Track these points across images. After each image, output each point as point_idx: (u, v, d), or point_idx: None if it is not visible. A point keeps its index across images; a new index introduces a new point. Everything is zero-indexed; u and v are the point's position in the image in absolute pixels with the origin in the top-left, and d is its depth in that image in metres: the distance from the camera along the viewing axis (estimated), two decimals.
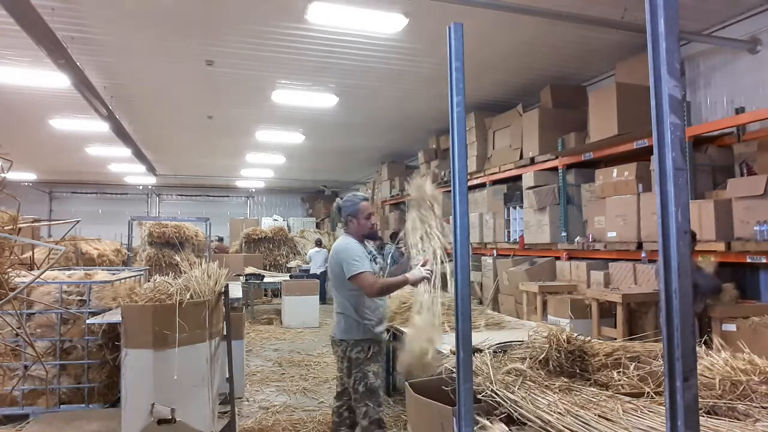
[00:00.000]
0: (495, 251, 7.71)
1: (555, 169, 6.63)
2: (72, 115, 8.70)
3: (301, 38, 5.78)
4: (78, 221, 3.96)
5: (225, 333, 3.51)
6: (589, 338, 2.59)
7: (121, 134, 8.80)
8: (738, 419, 1.88)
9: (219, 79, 7.13)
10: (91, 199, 18.74)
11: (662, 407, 1.88)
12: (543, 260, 6.70)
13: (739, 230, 4.47)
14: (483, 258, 7.89)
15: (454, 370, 1.82)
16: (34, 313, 3.50)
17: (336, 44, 5.93)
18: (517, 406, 1.99)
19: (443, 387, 2.30)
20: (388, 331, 4.40)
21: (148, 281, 3.48)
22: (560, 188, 6.49)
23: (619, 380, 2.26)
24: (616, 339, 3.86)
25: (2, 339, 3.17)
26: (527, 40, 5.90)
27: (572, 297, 5.42)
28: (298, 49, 6.06)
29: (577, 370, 2.36)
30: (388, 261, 3.67)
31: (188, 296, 2.96)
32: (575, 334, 2.52)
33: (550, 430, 1.82)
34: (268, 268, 13.44)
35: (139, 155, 11.17)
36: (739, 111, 5.08)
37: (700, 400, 1.49)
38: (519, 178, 7.30)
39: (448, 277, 2.90)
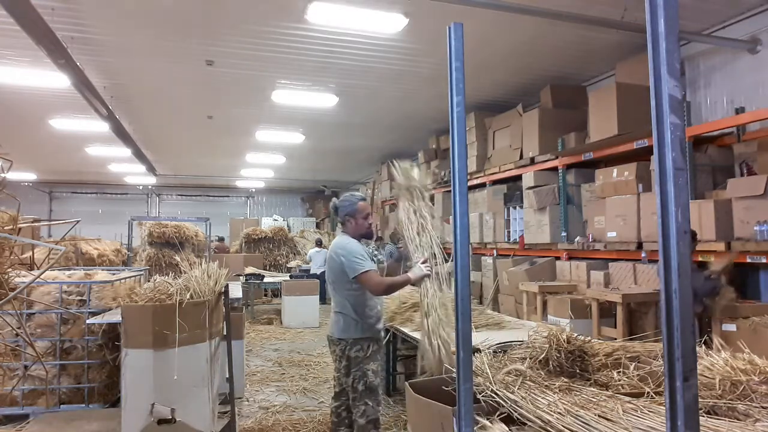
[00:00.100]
0: (495, 251, 7.71)
1: (555, 169, 6.63)
2: (72, 115, 8.70)
3: (301, 38, 5.78)
4: (78, 221, 3.96)
5: (225, 333, 3.51)
6: (589, 338, 2.59)
7: (121, 134, 8.80)
8: (738, 419, 1.88)
9: (219, 79, 7.13)
10: (91, 199, 18.74)
11: (662, 407, 1.88)
12: (543, 260, 6.69)
13: (739, 230, 4.47)
14: (483, 258, 7.89)
15: (454, 370, 1.82)
16: (34, 313, 3.51)
17: (336, 44, 5.93)
18: (517, 406, 1.99)
19: (443, 387, 2.30)
20: (387, 330, 4.41)
21: (148, 281, 3.48)
22: (560, 188, 6.49)
23: (619, 380, 2.26)
24: (616, 339, 3.86)
25: (2, 339, 3.17)
26: (527, 40, 5.90)
27: (572, 297, 5.41)
28: (298, 49, 6.06)
29: (577, 370, 2.36)
30: (386, 259, 3.65)
31: (188, 296, 2.96)
32: (575, 334, 2.52)
33: (550, 430, 1.82)
34: (268, 268, 13.45)
35: (139, 155, 11.17)
36: (739, 111, 5.08)
37: (700, 400, 1.49)
38: (519, 178, 7.30)
39: (444, 275, 2.89)
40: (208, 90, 7.68)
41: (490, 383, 2.16)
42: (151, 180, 16.34)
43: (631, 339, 2.94)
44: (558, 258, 6.51)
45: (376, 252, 10.34)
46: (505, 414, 2.02)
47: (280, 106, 8.31)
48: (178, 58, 6.37)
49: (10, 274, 2.65)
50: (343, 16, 5.12)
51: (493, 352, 2.61)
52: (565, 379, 2.26)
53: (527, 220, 6.94)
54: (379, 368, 3.11)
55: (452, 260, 1.81)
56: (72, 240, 7.86)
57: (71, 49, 5.39)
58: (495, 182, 7.92)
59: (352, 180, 17.19)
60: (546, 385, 2.16)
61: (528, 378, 2.22)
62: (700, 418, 1.47)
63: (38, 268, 3.72)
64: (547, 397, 2.03)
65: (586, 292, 5.31)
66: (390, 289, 3.05)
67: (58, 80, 6.17)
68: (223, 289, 3.35)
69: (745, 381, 2.04)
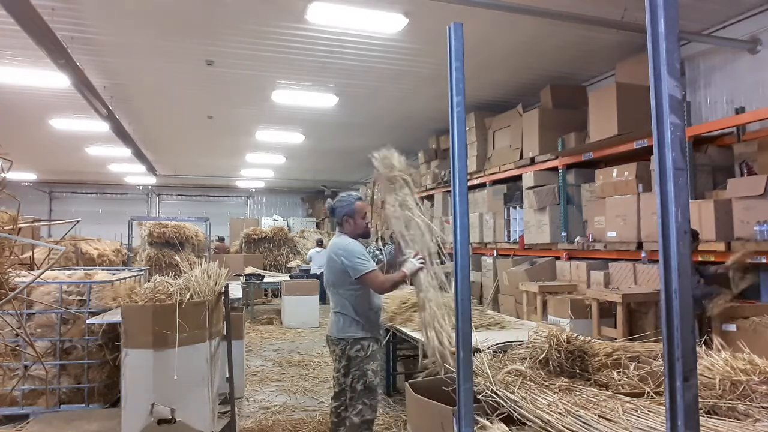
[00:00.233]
0: (495, 251, 7.71)
1: (555, 169, 6.63)
2: (72, 115, 8.70)
3: (301, 38, 5.78)
4: (78, 221, 3.96)
5: (225, 333, 3.51)
6: (589, 338, 2.59)
7: (121, 134, 8.80)
8: (738, 419, 1.88)
9: (219, 79, 7.13)
10: (91, 199, 18.73)
11: (662, 407, 1.88)
12: (543, 260, 6.69)
13: (739, 230, 4.47)
14: (483, 258, 7.89)
15: (454, 370, 1.82)
16: (34, 313, 3.50)
17: (336, 44, 5.93)
18: (517, 406, 1.99)
19: (443, 387, 2.30)
20: (387, 330, 4.41)
21: (148, 281, 3.48)
22: (560, 188, 6.49)
23: (619, 380, 2.26)
24: (616, 339, 3.86)
25: (2, 339, 3.17)
26: (527, 40, 5.90)
27: (572, 297, 5.41)
28: (298, 49, 6.06)
29: (577, 370, 2.36)
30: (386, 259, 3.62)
31: (188, 296, 2.96)
32: (575, 334, 2.51)
33: (550, 430, 1.82)
34: (268, 268, 13.45)
35: (139, 155, 11.17)
36: (739, 111, 5.08)
37: (700, 400, 1.49)
38: (519, 178, 7.30)
39: (437, 263, 2.87)
40: (208, 90, 7.68)
41: (490, 383, 2.16)
42: (151, 180, 16.35)
43: (631, 339, 2.94)
44: (558, 258, 6.51)
45: (377, 252, 10.34)
46: (505, 414, 2.02)
47: (280, 106, 8.31)
48: (178, 58, 6.37)
49: (10, 274, 2.65)
50: (343, 16, 5.13)
51: (493, 352, 2.61)
52: (565, 379, 2.26)
53: (527, 220, 6.94)
54: (378, 368, 3.11)
55: (449, 258, 1.80)
56: (72, 240, 7.86)
57: (71, 49, 5.39)
58: (495, 182, 7.92)
59: (352, 180, 17.19)
60: (546, 385, 2.16)
61: (528, 378, 2.22)
62: (700, 418, 1.47)
63: (38, 268, 3.72)
64: (547, 397, 2.03)
65: (586, 292, 5.31)
66: (392, 287, 3.04)
67: (58, 80, 6.17)
68: (223, 289, 3.34)
69: (745, 381, 2.04)
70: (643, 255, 5.18)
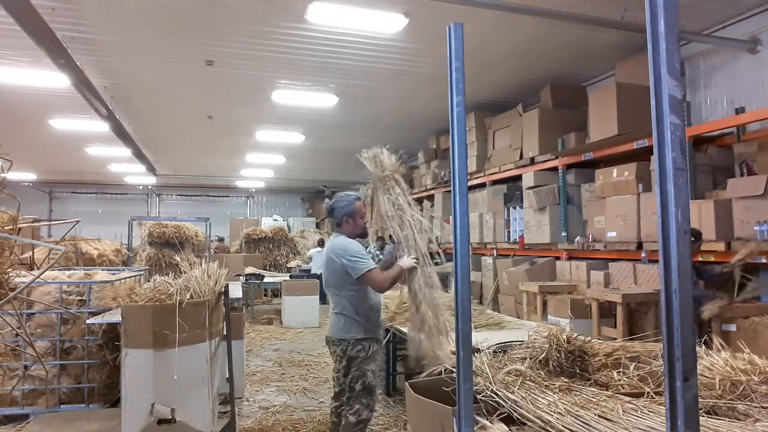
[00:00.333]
0: (495, 251, 7.71)
1: (555, 169, 6.63)
2: (72, 115, 8.70)
3: (301, 38, 5.78)
4: (78, 221, 3.96)
5: (225, 333, 3.51)
6: (589, 338, 2.59)
7: (121, 134, 8.80)
8: (738, 419, 1.88)
9: (219, 79, 7.13)
10: (91, 199, 18.74)
11: (662, 407, 1.88)
12: (543, 260, 6.69)
13: (739, 230, 4.47)
14: (483, 258, 7.89)
15: (454, 370, 1.82)
16: (34, 313, 3.50)
17: (336, 44, 5.93)
18: (517, 406, 1.99)
19: (443, 387, 2.30)
20: (387, 330, 4.41)
21: (148, 281, 3.48)
22: (560, 188, 6.49)
23: (619, 380, 2.26)
24: (616, 339, 3.86)
25: (2, 339, 3.17)
26: (527, 40, 5.90)
27: (572, 297, 5.41)
28: (298, 49, 6.06)
29: (577, 370, 2.36)
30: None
31: (188, 296, 2.95)
32: (575, 334, 2.52)
33: (550, 430, 1.82)
34: (268, 268, 13.44)
35: (139, 155, 11.18)
36: (739, 111, 5.08)
37: (700, 400, 1.49)
38: (519, 178, 7.30)
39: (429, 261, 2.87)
40: (208, 90, 7.68)
41: (490, 383, 2.16)
42: (151, 180, 16.35)
43: (631, 339, 2.95)
44: (558, 258, 6.51)
45: (378, 252, 10.35)
46: (505, 414, 2.02)
47: (280, 106, 8.31)
48: (178, 58, 6.37)
49: (10, 274, 2.65)
50: (343, 16, 5.13)
51: (493, 352, 2.61)
52: (565, 379, 2.26)
53: (527, 220, 6.94)
54: (377, 369, 3.11)
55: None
56: (72, 240, 7.86)
57: (71, 49, 5.39)
58: (495, 182, 7.92)
59: (352, 180, 17.18)
60: (546, 385, 2.16)
61: (528, 378, 2.22)
62: (700, 418, 1.47)
63: (38, 268, 3.72)
64: (547, 397, 2.03)
65: (586, 292, 5.31)
66: (392, 283, 3.02)
67: (58, 80, 6.17)
68: (223, 289, 3.34)
69: (745, 381, 2.04)
70: (643, 255, 5.18)
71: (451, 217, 1.81)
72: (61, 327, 3.49)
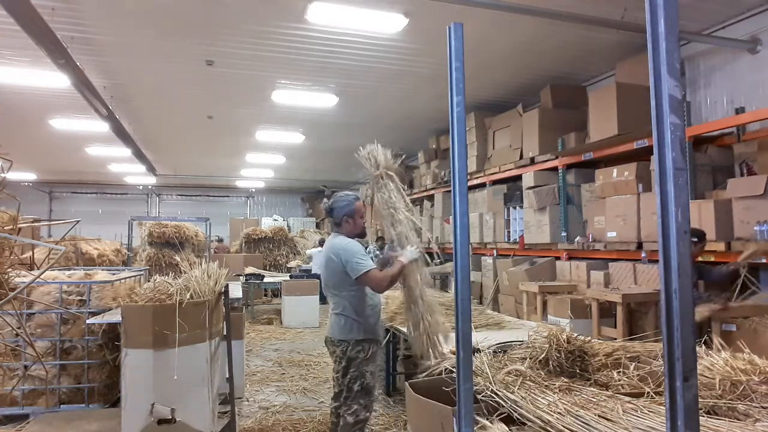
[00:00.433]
0: (495, 251, 7.71)
1: (555, 169, 6.62)
2: (72, 115, 8.70)
3: (301, 38, 5.77)
4: (78, 221, 3.96)
5: (225, 333, 3.51)
6: (589, 338, 2.59)
7: (121, 134, 8.80)
8: (738, 419, 1.88)
9: (219, 79, 7.13)
10: (91, 199, 18.73)
11: (662, 407, 1.88)
12: (543, 260, 6.69)
13: (739, 230, 4.47)
14: (483, 258, 7.89)
15: (454, 370, 1.82)
16: (34, 313, 3.50)
17: (336, 44, 5.93)
18: (517, 406, 1.99)
19: (443, 387, 2.30)
20: (387, 330, 4.41)
21: (148, 281, 3.48)
22: (560, 188, 6.49)
23: (619, 380, 2.26)
24: (616, 339, 3.86)
25: (2, 339, 3.17)
26: (527, 40, 5.90)
27: (572, 297, 5.41)
28: (298, 49, 6.06)
29: (577, 370, 2.36)
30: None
31: (188, 296, 2.96)
32: (575, 334, 2.52)
33: (550, 430, 1.82)
34: (268, 268, 13.45)
35: (139, 155, 11.18)
36: (739, 111, 5.08)
37: (700, 400, 1.49)
38: (519, 178, 7.30)
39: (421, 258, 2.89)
40: (208, 90, 7.68)
41: (490, 383, 2.16)
42: (151, 180, 16.35)
43: (631, 339, 2.95)
44: (558, 258, 6.51)
45: (378, 252, 10.35)
46: (505, 414, 2.02)
47: (280, 106, 8.31)
48: (178, 58, 6.37)
49: (10, 274, 2.65)
50: (343, 16, 5.12)
51: (493, 352, 2.61)
52: (565, 379, 2.26)
53: (527, 220, 6.94)
54: (377, 370, 3.11)
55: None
56: (72, 240, 7.86)
57: (71, 49, 5.39)
58: (495, 182, 7.92)
59: (352, 180, 17.17)
60: (546, 385, 2.16)
61: (528, 378, 2.22)
62: (700, 418, 1.47)
63: (38, 268, 3.72)
64: (547, 397, 2.03)
65: (586, 292, 5.31)
66: (391, 282, 3.02)
67: (58, 80, 6.17)
68: (223, 289, 3.34)
69: (745, 381, 2.04)
70: (643, 255, 5.18)
71: (451, 217, 1.81)
72: (61, 327, 3.49)
